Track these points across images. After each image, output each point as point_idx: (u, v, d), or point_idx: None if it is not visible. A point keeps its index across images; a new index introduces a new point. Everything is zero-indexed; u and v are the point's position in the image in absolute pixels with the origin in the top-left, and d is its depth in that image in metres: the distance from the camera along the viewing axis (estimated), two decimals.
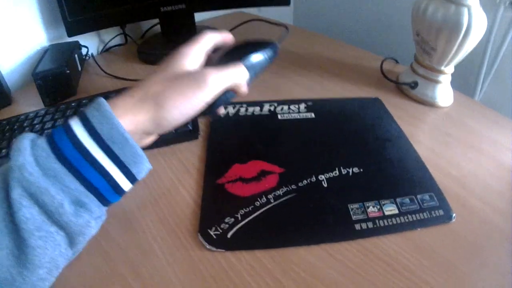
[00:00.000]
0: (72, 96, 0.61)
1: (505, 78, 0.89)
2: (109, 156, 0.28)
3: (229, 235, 0.36)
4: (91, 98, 0.53)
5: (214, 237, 0.36)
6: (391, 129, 0.52)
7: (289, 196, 0.41)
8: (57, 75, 0.58)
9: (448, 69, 0.57)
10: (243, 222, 0.38)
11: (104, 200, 0.29)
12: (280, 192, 0.41)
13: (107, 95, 0.53)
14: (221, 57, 0.38)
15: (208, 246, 0.35)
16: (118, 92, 0.54)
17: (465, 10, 0.49)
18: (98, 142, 0.28)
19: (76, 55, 0.66)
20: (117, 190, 0.30)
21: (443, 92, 0.59)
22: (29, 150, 0.26)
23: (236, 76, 0.36)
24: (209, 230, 0.36)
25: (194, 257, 0.35)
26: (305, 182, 0.42)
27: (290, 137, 0.50)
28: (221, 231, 0.36)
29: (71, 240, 0.28)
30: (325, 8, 1.20)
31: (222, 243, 0.35)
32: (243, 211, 0.39)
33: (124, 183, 0.30)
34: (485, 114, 0.62)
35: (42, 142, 0.27)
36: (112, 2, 0.67)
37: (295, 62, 0.70)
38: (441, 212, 0.39)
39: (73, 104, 0.53)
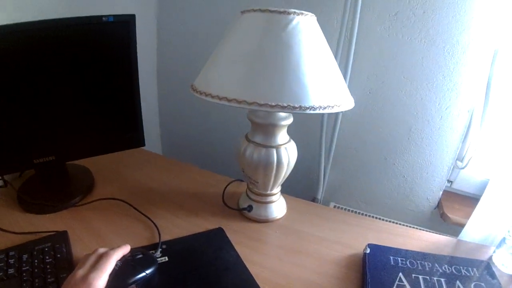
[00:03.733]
0: None
1: (343, 162, 1.13)
2: None
3: None
4: None
5: None
6: (229, 257, 0.61)
7: None
8: None
9: (275, 190, 0.71)
10: None
11: None
12: None
13: None
14: (116, 275, 0.50)
15: None
16: None
17: (274, 151, 0.63)
18: None
19: None
20: None
21: (276, 208, 0.72)
22: None
23: None
24: None
25: None
26: None
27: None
28: None
29: None
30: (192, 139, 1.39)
31: None
32: None
33: None
34: (314, 213, 0.77)
35: None
36: None
37: (150, 201, 0.78)
38: None
39: None
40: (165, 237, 0.66)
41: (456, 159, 1.02)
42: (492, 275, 0.58)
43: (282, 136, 0.64)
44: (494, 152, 0.99)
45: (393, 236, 0.71)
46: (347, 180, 1.17)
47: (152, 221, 0.70)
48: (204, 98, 0.54)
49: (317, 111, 0.50)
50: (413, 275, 0.57)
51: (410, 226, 1.05)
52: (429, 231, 0.88)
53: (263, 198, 0.71)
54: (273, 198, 0.71)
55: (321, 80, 0.53)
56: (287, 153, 0.64)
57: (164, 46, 1.29)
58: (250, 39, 0.54)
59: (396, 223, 1.05)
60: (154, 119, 1.42)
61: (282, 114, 0.62)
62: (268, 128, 0.62)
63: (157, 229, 0.68)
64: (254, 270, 0.59)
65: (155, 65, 1.32)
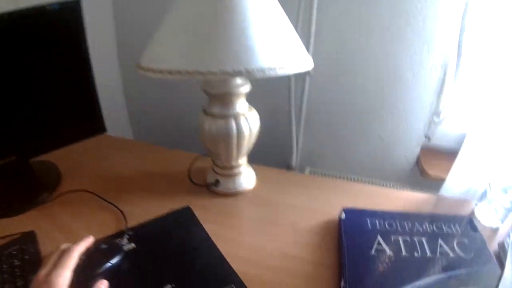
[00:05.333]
0: None
1: (315, 126, 1.10)
2: None
3: None
4: None
5: None
6: (198, 236, 0.59)
7: None
8: None
9: (241, 162, 0.68)
10: None
11: None
12: None
13: None
14: (82, 269, 0.48)
15: None
16: None
17: (232, 121, 0.60)
18: None
19: None
20: None
21: (244, 180, 0.70)
22: None
23: None
24: None
25: None
26: None
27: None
28: None
29: None
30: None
31: None
32: None
33: None
34: (286, 181, 0.74)
35: None
36: None
37: (117, 187, 0.75)
38: None
39: None
40: (132, 223, 0.63)
41: (433, 115, 1.01)
42: (475, 229, 0.57)
43: (240, 105, 0.61)
44: (470, 105, 0.97)
45: (370, 198, 0.69)
46: (322, 144, 1.14)
47: (118, 208, 0.67)
48: (146, 74, 0.50)
49: (267, 73, 0.46)
50: (393, 236, 0.55)
51: (389, 186, 1.04)
52: (410, 190, 0.87)
53: (229, 171, 0.68)
54: (240, 169, 0.69)
55: (270, 41, 0.49)
56: (247, 122, 0.61)
57: (123, 27, 1.21)
58: (191, 8, 0.50)
59: (375, 184, 1.04)
60: (121, 103, 1.37)
61: (238, 82, 0.58)
62: (225, 98, 0.59)
63: (123, 215, 0.65)
64: (224, 247, 0.56)
65: (115, 48, 1.25)
